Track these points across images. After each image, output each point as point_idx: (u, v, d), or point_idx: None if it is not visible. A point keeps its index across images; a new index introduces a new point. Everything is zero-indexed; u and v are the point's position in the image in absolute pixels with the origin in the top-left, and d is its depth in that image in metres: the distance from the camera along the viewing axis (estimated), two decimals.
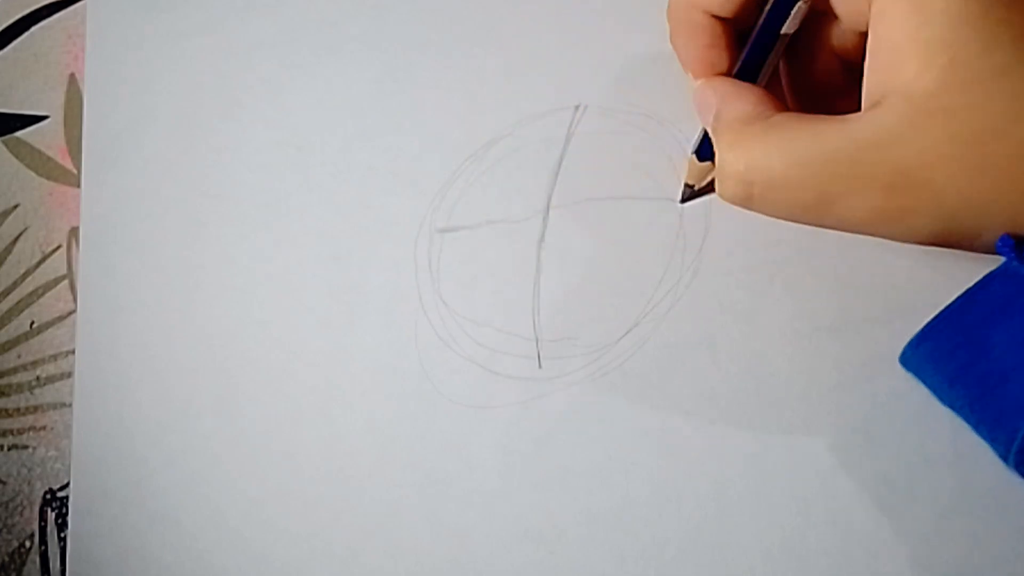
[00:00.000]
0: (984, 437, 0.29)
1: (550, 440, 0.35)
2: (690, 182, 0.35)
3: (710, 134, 0.31)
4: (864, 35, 0.29)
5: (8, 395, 0.36)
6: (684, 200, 0.35)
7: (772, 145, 0.29)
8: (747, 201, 0.30)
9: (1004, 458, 0.28)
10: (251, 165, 0.37)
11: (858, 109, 0.29)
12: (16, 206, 0.38)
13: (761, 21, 0.30)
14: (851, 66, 0.32)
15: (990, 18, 0.26)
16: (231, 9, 0.38)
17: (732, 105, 0.30)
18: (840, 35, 0.31)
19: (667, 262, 0.35)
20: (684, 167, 0.35)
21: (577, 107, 0.36)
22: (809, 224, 0.30)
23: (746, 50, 0.31)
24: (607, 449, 0.34)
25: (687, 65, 0.33)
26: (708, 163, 0.34)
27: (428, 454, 0.35)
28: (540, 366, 0.35)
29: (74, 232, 0.37)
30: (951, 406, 0.30)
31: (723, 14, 0.31)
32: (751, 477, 0.34)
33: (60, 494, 0.36)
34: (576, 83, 0.35)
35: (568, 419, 0.35)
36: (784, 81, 0.33)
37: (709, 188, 0.35)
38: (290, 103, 0.37)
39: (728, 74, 0.32)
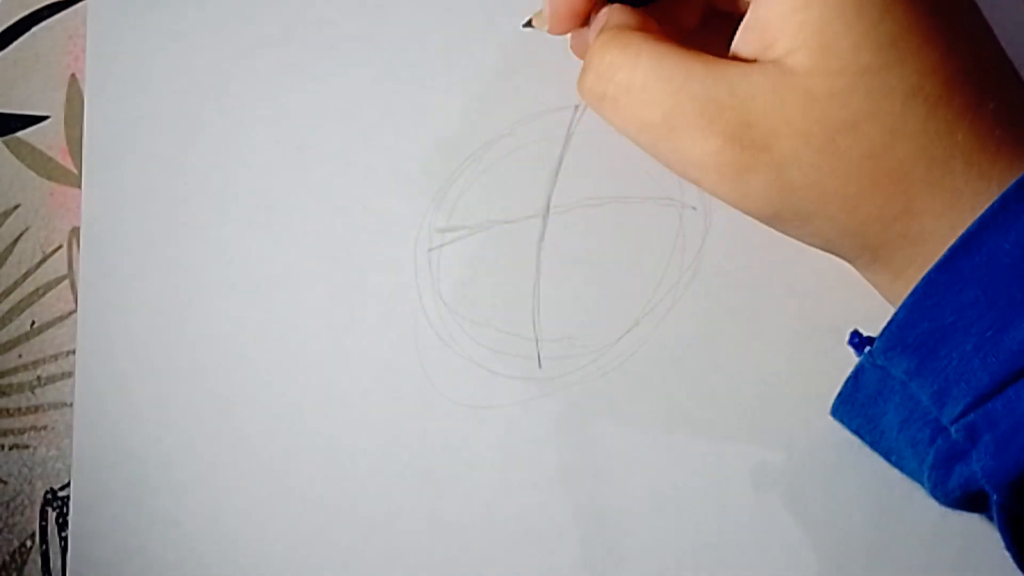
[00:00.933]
0: None
1: (550, 440, 0.34)
2: (535, 22, 0.34)
3: (591, 41, 0.31)
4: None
5: (9, 395, 0.36)
6: (525, 25, 0.34)
7: (643, 55, 0.29)
8: (600, 100, 0.30)
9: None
10: (251, 165, 0.37)
11: None
12: (17, 206, 0.38)
13: None
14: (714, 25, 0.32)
15: (864, 19, 0.27)
16: (231, 9, 0.38)
17: (619, 15, 0.31)
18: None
19: (667, 262, 0.35)
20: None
21: (577, 107, 0.36)
22: (649, 151, 0.30)
23: None
24: (607, 449, 0.34)
25: None
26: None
27: (428, 454, 0.35)
28: (540, 366, 0.35)
29: (75, 232, 0.37)
30: None
31: None
32: (751, 477, 0.34)
33: (61, 494, 0.36)
34: (576, 83, 0.35)
35: (568, 419, 0.35)
36: None
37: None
38: (290, 103, 0.37)
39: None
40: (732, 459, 0.34)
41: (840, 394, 0.31)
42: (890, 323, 0.28)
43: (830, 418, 0.33)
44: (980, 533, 0.32)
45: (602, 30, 0.30)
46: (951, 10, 0.29)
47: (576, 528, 0.34)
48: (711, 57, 0.29)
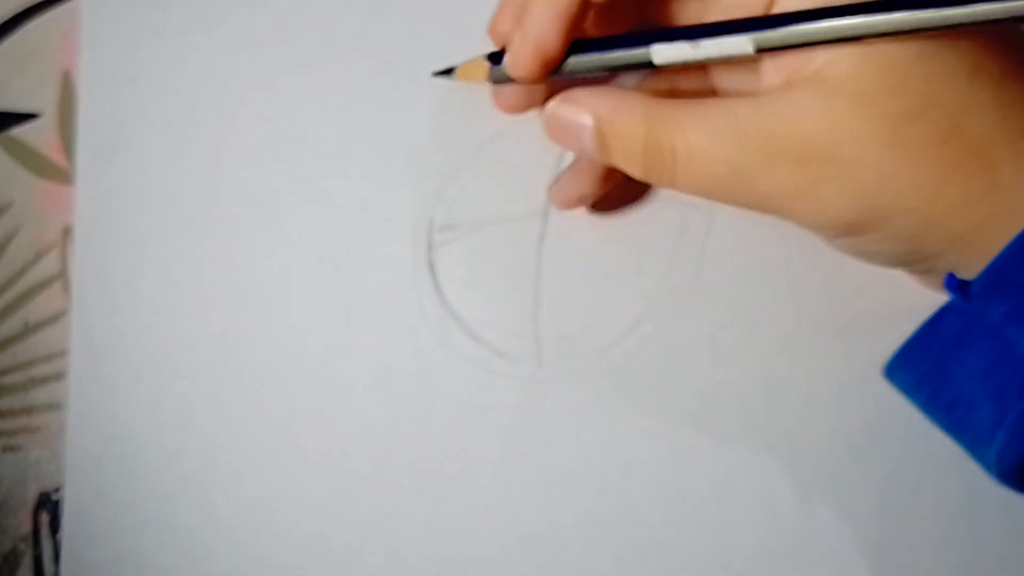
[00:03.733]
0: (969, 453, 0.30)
1: (550, 441, 0.34)
2: (460, 76, 0.33)
3: (593, 129, 0.30)
4: None
5: (1, 396, 0.36)
6: (435, 74, 0.34)
7: (686, 120, 0.29)
8: (663, 176, 0.29)
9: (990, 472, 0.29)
10: (247, 163, 0.37)
11: None
12: (9, 204, 0.37)
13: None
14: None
15: None
16: (227, 5, 0.38)
17: (631, 95, 0.30)
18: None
19: (669, 261, 0.35)
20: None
21: None
22: (724, 201, 0.29)
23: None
24: (607, 450, 0.34)
25: (532, 31, 0.30)
26: (486, 68, 0.32)
27: (427, 455, 0.34)
28: (540, 367, 0.35)
29: (68, 231, 0.37)
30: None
31: None
32: (754, 478, 0.34)
33: (54, 496, 0.35)
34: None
35: (568, 420, 0.34)
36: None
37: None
38: (287, 100, 0.37)
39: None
40: (735, 460, 0.34)
41: (910, 341, 0.30)
42: (996, 261, 0.27)
43: (834, 419, 0.33)
44: (987, 536, 0.32)
45: (629, 108, 0.30)
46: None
47: (577, 529, 0.34)
48: (748, 95, 0.28)
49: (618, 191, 0.35)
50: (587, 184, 0.34)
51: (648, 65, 0.30)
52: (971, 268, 0.29)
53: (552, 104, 0.31)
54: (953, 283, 0.28)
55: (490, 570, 0.34)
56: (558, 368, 0.35)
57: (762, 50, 0.28)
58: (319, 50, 0.37)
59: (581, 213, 0.35)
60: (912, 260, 0.29)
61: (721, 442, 0.34)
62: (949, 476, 0.31)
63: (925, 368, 0.30)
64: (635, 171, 0.30)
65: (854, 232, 0.29)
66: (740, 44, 0.28)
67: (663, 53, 0.29)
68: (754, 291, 0.34)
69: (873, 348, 0.30)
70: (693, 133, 0.28)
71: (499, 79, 0.32)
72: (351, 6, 0.38)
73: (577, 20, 0.30)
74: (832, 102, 0.27)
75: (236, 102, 0.37)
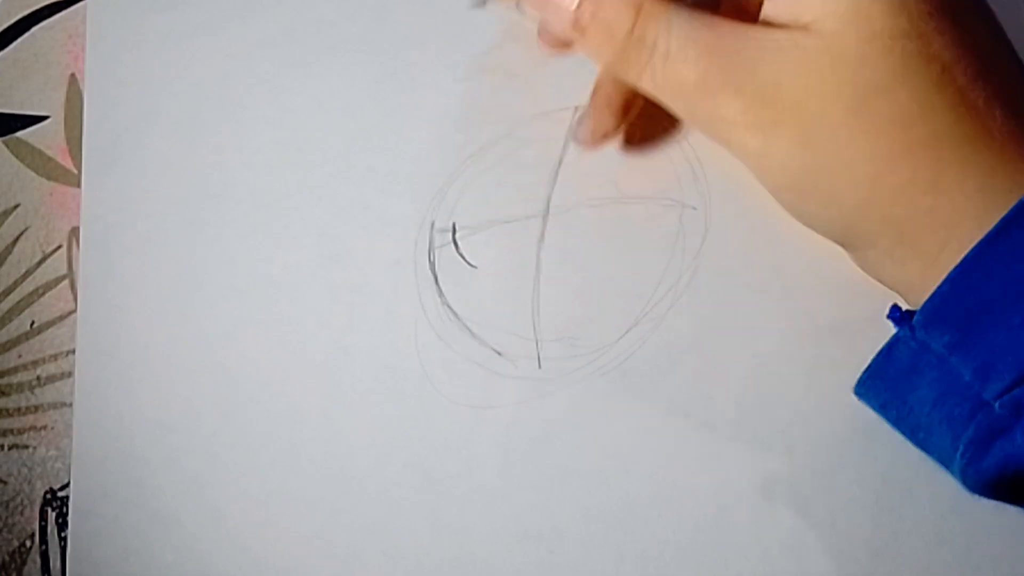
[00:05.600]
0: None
1: (549, 440, 0.35)
2: None
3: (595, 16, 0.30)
4: None
5: (8, 395, 0.36)
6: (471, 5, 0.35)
7: (675, 21, 0.29)
8: (632, 67, 0.30)
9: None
10: (251, 165, 0.37)
11: None
12: (16, 206, 0.38)
13: None
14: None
15: None
16: (232, 9, 0.38)
17: None
18: None
19: (667, 262, 0.35)
20: None
21: (577, 107, 0.36)
22: (681, 112, 0.30)
23: None
24: (606, 449, 0.34)
25: None
26: None
27: (428, 454, 0.35)
28: (540, 366, 0.35)
29: (75, 232, 0.37)
30: None
31: None
32: (750, 477, 0.34)
33: (60, 494, 0.36)
34: (576, 83, 0.35)
35: (567, 419, 0.35)
36: None
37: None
38: (290, 103, 0.37)
39: None
40: (732, 459, 0.34)
41: (869, 369, 0.31)
42: (934, 295, 0.27)
43: (830, 418, 0.33)
44: (981, 534, 0.32)
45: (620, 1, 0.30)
46: (976, 8, 0.29)
47: (576, 528, 0.34)
48: (741, 22, 0.29)
49: (641, 127, 0.35)
50: (607, 118, 0.34)
51: None
52: (901, 272, 0.29)
53: None
54: (896, 314, 0.29)
55: (490, 569, 0.34)
56: (558, 368, 0.35)
57: None
58: (322, 54, 0.38)
59: (580, 212, 0.36)
60: (848, 238, 0.30)
61: (718, 441, 0.34)
62: (943, 475, 0.31)
63: (886, 395, 0.31)
64: (608, 55, 0.30)
65: (795, 190, 0.29)
66: None
67: None
68: (750, 292, 0.34)
69: (867, 348, 0.30)
70: (679, 34, 0.29)
71: None
72: (354, 11, 0.38)
73: None
74: (813, 58, 0.27)
75: (241, 105, 0.38)
